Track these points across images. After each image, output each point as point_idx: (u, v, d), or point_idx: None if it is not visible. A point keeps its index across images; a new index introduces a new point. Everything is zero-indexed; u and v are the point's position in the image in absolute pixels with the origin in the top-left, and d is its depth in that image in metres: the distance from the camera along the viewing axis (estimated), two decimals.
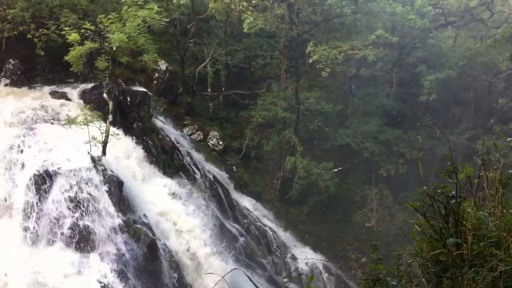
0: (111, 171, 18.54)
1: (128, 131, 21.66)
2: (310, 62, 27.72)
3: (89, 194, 17.41)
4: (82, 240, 17.00)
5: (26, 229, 16.76)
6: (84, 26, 19.78)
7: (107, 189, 17.84)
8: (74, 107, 20.89)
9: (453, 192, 4.49)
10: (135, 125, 22.38)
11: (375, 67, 30.72)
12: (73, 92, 22.24)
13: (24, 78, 22.47)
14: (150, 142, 22.68)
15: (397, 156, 28.93)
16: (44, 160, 17.53)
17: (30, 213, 16.88)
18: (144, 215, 19.07)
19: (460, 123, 30.49)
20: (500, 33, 27.01)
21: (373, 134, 29.14)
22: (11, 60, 22.27)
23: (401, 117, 30.54)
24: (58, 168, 17.45)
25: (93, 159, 18.20)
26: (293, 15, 27.97)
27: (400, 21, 28.85)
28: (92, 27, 19.62)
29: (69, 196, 17.07)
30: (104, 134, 18.54)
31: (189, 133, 27.24)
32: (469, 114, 31.30)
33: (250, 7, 27.73)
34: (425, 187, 4.58)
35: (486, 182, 4.71)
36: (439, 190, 4.50)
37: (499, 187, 4.60)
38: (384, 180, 29.20)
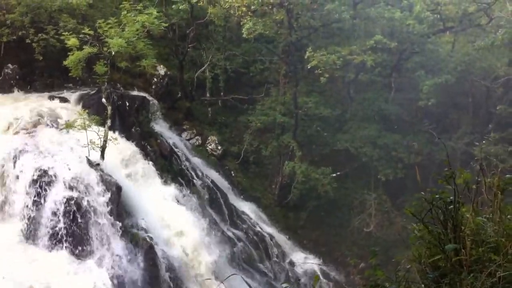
0: (110, 175, 18.52)
1: (126, 136, 21.65)
2: (308, 67, 27.75)
3: (87, 199, 17.38)
4: (80, 245, 16.96)
5: (23, 233, 16.73)
6: (83, 31, 19.81)
7: (105, 193, 17.80)
8: (72, 112, 20.88)
9: (451, 198, 4.49)
10: (133, 129, 22.39)
11: (373, 72, 30.73)
12: (72, 97, 22.23)
13: (23, 83, 22.47)
14: (148, 146, 22.68)
15: (396, 161, 28.92)
16: (42, 165, 17.50)
17: (28, 218, 16.85)
18: (143, 220, 19.04)
19: (459, 128, 30.50)
20: (498, 37, 27.06)
21: (372, 138, 29.12)
22: (9, 65, 22.28)
23: (400, 122, 30.55)
24: (56, 173, 17.43)
25: (91, 163, 18.18)
26: (292, 20, 28.02)
27: (398, 27, 28.89)
28: (91, 32, 19.65)
29: (67, 201, 17.03)
30: (102, 139, 18.53)
31: (187, 137, 27.23)
32: (468, 119, 31.31)
33: (249, 12, 27.78)
34: (423, 193, 4.58)
35: (484, 188, 4.72)
36: (437, 196, 4.50)
37: (498, 193, 4.61)
38: (382, 185, 29.18)
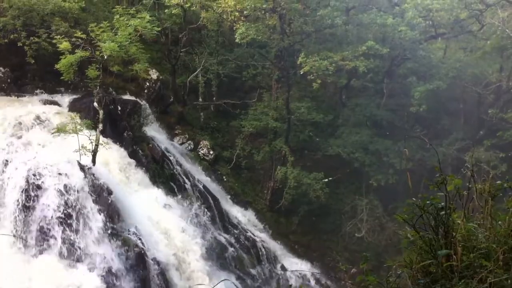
0: (101, 180, 18.43)
1: (118, 140, 21.59)
2: (301, 72, 27.78)
3: (78, 203, 17.28)
4: (71, 251, 16.84)
5: (14, 240, 16.59)
6: (75, 35, 19.77)
7: (96, 198, 17.72)
8: (64, 115, 20.79)
9: (442, 204, 4.50)
10: (125, 134, 22.31)
11: (365, 78, 30.84)
12: (64, 101, 22.14)
13: (14, 86, 22.35)
14: (140, 151, 22.61)
15: (387, 167, 29.00)
16: (33, 169, 17.39)
17: (18, 224, 16.72)
18: (134, 225, 18.95)
19: (450, 134, 30.63)
20: (489, 45, 27.26)
21: (364, 144, 29.19)
22: (1, 68, 22.16)
23: (391, 128, 30.64)
24: (47, 177, 17.32)
25: (82, 168, 18.09)
26: (284, 25, 28.07)
27: (390, 33, 29.00)
28: (83, 36, 19.61)
29: (58, 206, 16.92)
30: (93, 143, 18.46)
31: (179, 142, 27.17)
32: (459, 125, 31.47)
33: (242, 17, 27.85)
34: (414, 199, 4.59)
35: (475, 194, 4.73)
36: (428, 202, 4.51)
37: (488, 199, 4.62)
38: (374, 191, 29.23)
